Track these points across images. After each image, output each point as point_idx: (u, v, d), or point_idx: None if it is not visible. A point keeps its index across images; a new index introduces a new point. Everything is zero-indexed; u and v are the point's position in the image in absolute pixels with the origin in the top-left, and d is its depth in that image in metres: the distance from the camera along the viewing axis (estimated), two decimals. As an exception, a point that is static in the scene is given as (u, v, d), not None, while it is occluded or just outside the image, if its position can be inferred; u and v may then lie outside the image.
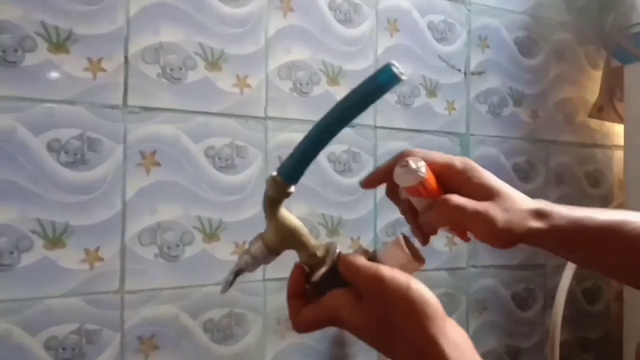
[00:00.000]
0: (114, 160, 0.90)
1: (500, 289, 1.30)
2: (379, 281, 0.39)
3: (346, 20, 1.12)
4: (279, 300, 1.03)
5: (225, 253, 0.99)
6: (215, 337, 0.98)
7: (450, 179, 0.45)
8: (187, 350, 0.95)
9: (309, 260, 0.45)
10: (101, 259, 0.89)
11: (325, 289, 0.43)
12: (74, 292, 0.87)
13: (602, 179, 1.46)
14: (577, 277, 1.30)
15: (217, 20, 0.99)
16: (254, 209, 1.01)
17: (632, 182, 1.28)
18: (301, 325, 0.43)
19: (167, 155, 0.95)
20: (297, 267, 0.45)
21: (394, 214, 1.16)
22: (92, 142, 0.89)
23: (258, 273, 0.99)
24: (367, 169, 1.14)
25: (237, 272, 0.46)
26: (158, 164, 0.94)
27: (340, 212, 1.10)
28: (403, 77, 0.40)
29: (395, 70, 0.40)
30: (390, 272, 0.40)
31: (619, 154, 1.46)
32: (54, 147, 0.86)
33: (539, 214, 0.44)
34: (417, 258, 0.43)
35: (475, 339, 1.26)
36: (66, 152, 0.87)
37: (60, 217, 0.86)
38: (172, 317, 0.94)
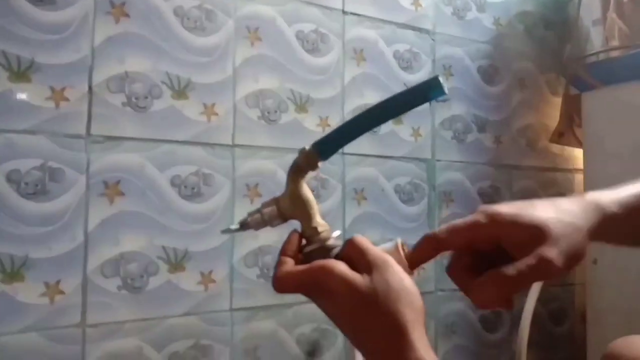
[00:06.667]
0: (76, 191, 0.89)
1: (468, 313, 1.31)
2: (387, 262, 0.41)
3: (313, 50, 1.14)
4: (246, 330, 1.01)
5: (191, 283, 0.97)
6: (181, 369, 0.96)
7: (483, 236, 0.44)
8: (151, 384, 0.93)
9: (309, 232, 0.46)
10: (62, 292, 0.87)
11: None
12: (34, 328, 0.84)
13: (564, 202, 1.49)
14: (542, 300, 1.33)
15: (184, 50, 0.99)
16: (221, 237, 1.00)
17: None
18: (284, 279, 0.42)
19: (132, 184, 0.93)
20: (296, 233, 0.47)
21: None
22: (54, 172, 0.87)
23: (225, 302, 0.98)
24: (336, 194, 1.14)
25: (243, 225, 0.47)
26: (122, 194, 0.92)
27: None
28: (446, 91, 0.43)
29: (442, 81, 0.43)
30: (396, 263, 0.41)
31: (579, 178, 1.51)
32: (13, 178, 0.84)
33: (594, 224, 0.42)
34: (411, 267, 0.44)
35: (444, 363, 1.28)
36: (26, 183, 0.85)
37: (20, 251, 0.84)
38: (135, 351, 0.92)
